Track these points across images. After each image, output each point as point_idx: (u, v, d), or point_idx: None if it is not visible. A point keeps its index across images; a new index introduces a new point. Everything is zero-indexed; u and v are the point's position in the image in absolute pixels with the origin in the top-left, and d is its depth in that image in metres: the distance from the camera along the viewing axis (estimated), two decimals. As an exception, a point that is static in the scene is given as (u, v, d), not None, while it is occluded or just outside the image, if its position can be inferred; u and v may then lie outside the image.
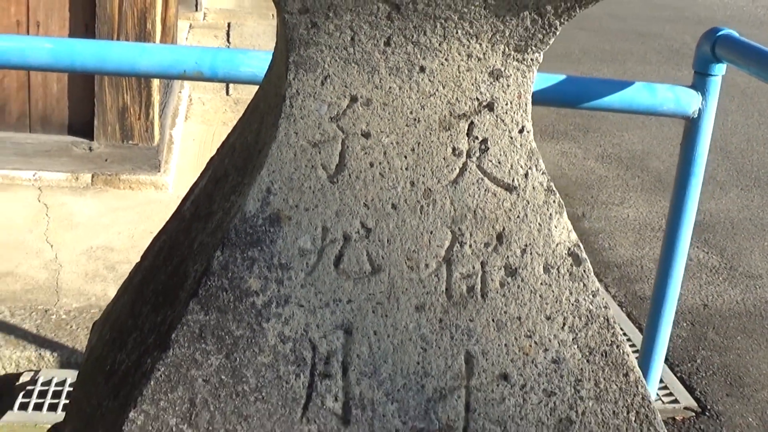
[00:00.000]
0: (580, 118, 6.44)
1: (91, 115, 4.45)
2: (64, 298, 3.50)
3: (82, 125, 4.50)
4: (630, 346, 3.55)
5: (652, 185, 5.42)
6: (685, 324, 3.86)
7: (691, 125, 2.37)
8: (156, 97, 4.49)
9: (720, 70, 2.33)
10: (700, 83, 2.35)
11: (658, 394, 3.36)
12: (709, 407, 3.32)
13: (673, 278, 2.50)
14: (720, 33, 2.30)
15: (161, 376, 1.21)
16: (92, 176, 4.44)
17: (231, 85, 5.91)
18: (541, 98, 2.38)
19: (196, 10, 8.11)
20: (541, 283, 1.28)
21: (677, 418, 3.27)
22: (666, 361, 3.55)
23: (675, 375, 3.51)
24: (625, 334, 3.72)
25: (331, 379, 1.24)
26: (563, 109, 5.76)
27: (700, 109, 2.34)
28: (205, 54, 2.25)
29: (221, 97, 5.84)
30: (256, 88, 1.49)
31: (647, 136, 6.32)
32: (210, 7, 8.41)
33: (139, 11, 4.25)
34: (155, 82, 4.47)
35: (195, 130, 5.31)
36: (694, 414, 3.29)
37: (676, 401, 3.36)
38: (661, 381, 3.44)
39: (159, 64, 2.26)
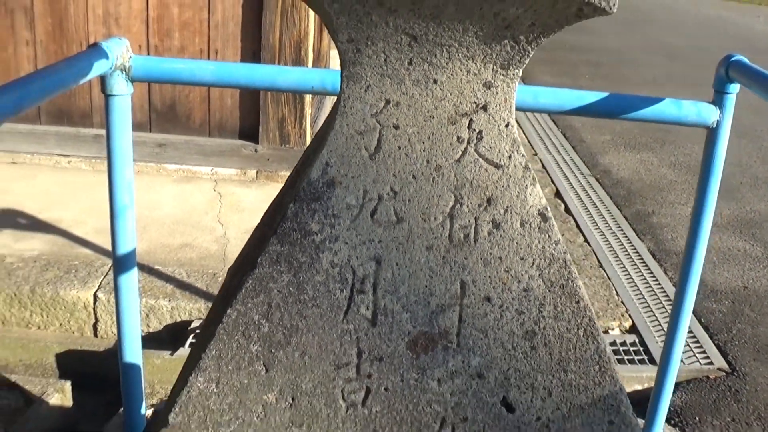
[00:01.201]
0: (660, 132, 6.37)
1: (256, 124, 4.70)
2: (229, 265, 3.75)
3: (249, 131, 4.76)
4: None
5: (715, 189, 5.37)
6: (726, 302, 3.89)
7: (711, 134, 2.44)
8: (308, 111, 4.71)
9: (734, 89, 2.39)
10: (718, 99, 2.41)
11: (696, 356, 3.44)
12: (737, 369, 3.36)
13: (696, 258, 2.52)
14: (733, 58, 2.37)
15: (249, 286, 1.38)
16: (257, 172, 4.68)
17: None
18: (590, 110, 2.49)
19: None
20: (518, 234, 1.38)
21: (710, 376, 3.34)
22: (706, 330, 3.63)
23: (713, 342, 3.55)
24: (674, 308, 3.80)
25: (364, 294, 1.38)
26: (646, 124, 5.76)
27: (717, 120, 2.41)
28: (328, 74, 2.37)
29: (364, 112, 6.02)
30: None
31: (716, 148, 6.22)
32: (362, 40, 8.62)
33: (294, 42, 4.49)
34: (307, 98, 4.68)
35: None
36: (724, 374, 3.34)
37: (711, 363, 3.41)
38: (700, 346, 3.52)
39: (293, 82, 2.41)
